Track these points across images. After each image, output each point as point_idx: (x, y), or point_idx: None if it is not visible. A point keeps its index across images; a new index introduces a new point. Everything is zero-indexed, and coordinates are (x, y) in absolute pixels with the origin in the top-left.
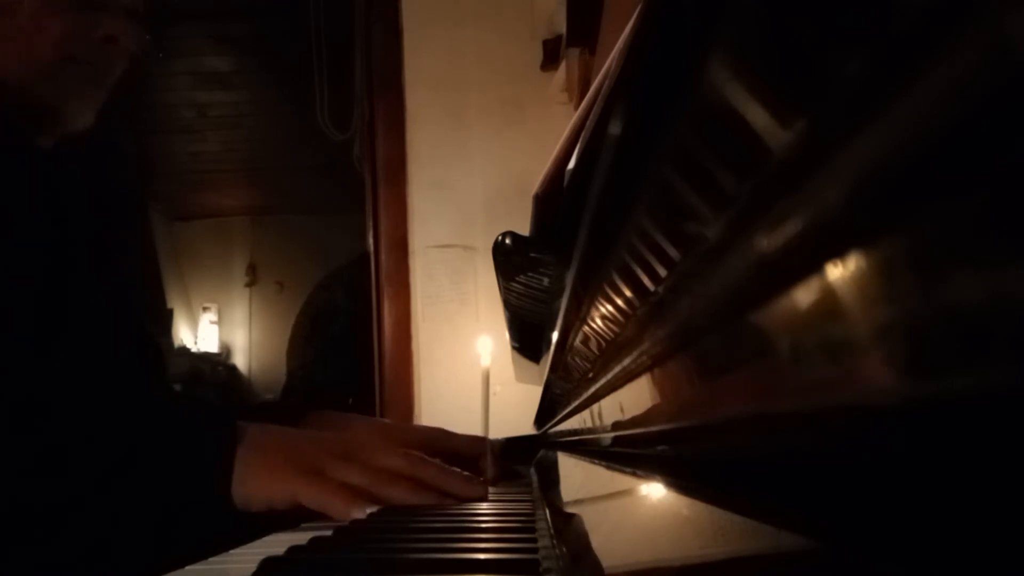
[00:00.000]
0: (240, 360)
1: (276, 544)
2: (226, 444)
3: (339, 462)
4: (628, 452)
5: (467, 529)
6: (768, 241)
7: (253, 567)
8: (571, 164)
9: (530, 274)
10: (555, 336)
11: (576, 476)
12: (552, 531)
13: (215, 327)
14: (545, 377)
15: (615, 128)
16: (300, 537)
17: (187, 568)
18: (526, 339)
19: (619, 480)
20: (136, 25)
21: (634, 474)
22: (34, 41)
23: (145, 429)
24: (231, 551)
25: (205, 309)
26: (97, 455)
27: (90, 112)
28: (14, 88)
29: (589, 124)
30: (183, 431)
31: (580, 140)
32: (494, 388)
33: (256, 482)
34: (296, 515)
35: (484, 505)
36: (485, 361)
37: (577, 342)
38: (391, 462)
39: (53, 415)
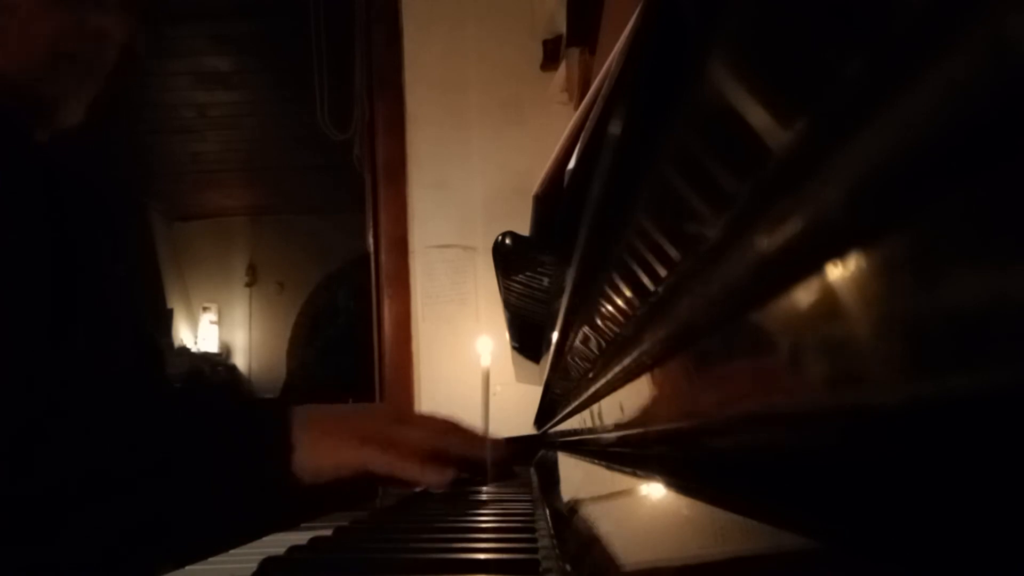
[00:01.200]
0: (240, 360)
1: (276, 544)
2: (283, 426)
3: (398, 427)
4: (628, 452)
5: (467, 529)
6: (768, 241)
7: (253, 567)
8: (571, 164)
9: (530, 274)
10: (555, 336)
11: (576, 476)
12: (552, 531)
13: (215, 327)
14: (545, 377)
15: (615, 128)
16: (300, 537)
17: (187, 568)
18: (526, 339)
19: (619, 480)
20: (130, 18)
21: (634, 474)
22: (26, 39)
23: (195, 423)
24: (231, 551)
25: (205, 309)
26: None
27: (80, 109)
28: (10, 83)
29: (589, 124)
30: (238, 420)
31: (580, 140)
32: (494, 388)
33: (324, 453)
34: (365, 484)
35: (484, 505)
36: (485, 361)
37: (577, 342)
38: (438, 423)
39: (74, 412)
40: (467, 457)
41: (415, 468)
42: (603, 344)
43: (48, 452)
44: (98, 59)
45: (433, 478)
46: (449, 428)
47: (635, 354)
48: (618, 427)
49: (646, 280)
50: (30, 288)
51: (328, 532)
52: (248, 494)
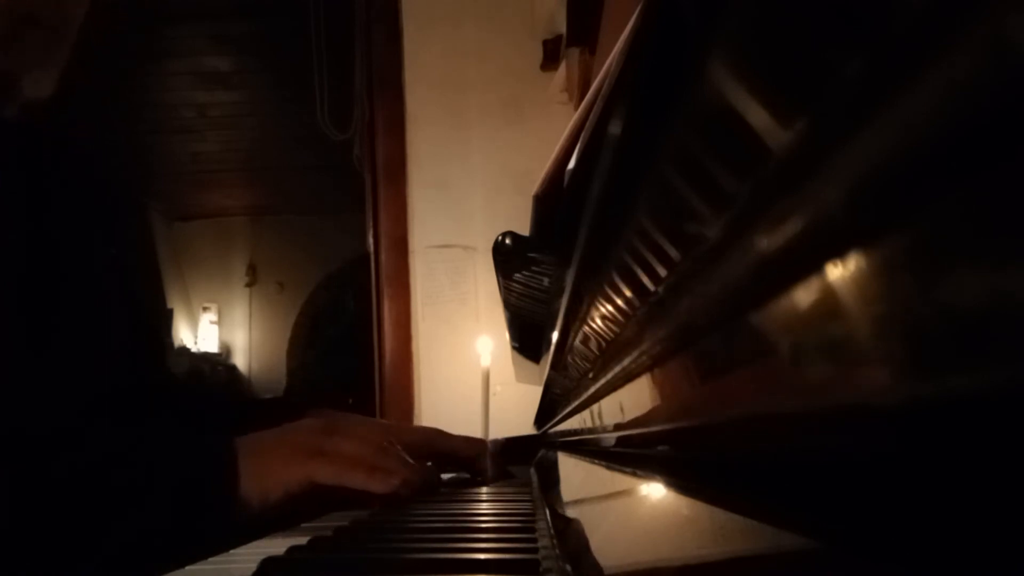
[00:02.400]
0: (240, 360)
1: (276, 544)
2: (228, 460)
3: (334, 438)
4: (628, 452)
5: (467, 529)
6: (768, 241)
7: (253, 567)
8: (571, 164)
9: (530, 274)
10: (555, 336)
11: (576, 476)
12: (552, 531)
13: (215, 327)
14: (545, 377)
15: (615, 128)
16: (300, 537)
17: (187, 568)
18: (526, 339)
19: (619, 480)
20: None
21: (634, 474)
22: None
23: (139, 455)
24: (231, 551)
25: (205, 309)
26: (95, 474)
27: (50, 80)
28: None
29: (589, 124)
30: (183, 453)
31: (580, 140)
32: (494, 388)
33: (269, 475)
34: (319, 500)
35: (484, 505)
36: (485, 361)
37: (577, 342)
38: (375, 438)
39: (45, 419)
40: (410, 477)
41: (361, 476)
42: (603, 344)
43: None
44: (62, 22)
45: (379, 486)
46: (385, 447)
47: (635, 354)
48: (618, 427)
49: (646, 280)
50: (4, 275)
51: (328, 532)
52: (195, 529)
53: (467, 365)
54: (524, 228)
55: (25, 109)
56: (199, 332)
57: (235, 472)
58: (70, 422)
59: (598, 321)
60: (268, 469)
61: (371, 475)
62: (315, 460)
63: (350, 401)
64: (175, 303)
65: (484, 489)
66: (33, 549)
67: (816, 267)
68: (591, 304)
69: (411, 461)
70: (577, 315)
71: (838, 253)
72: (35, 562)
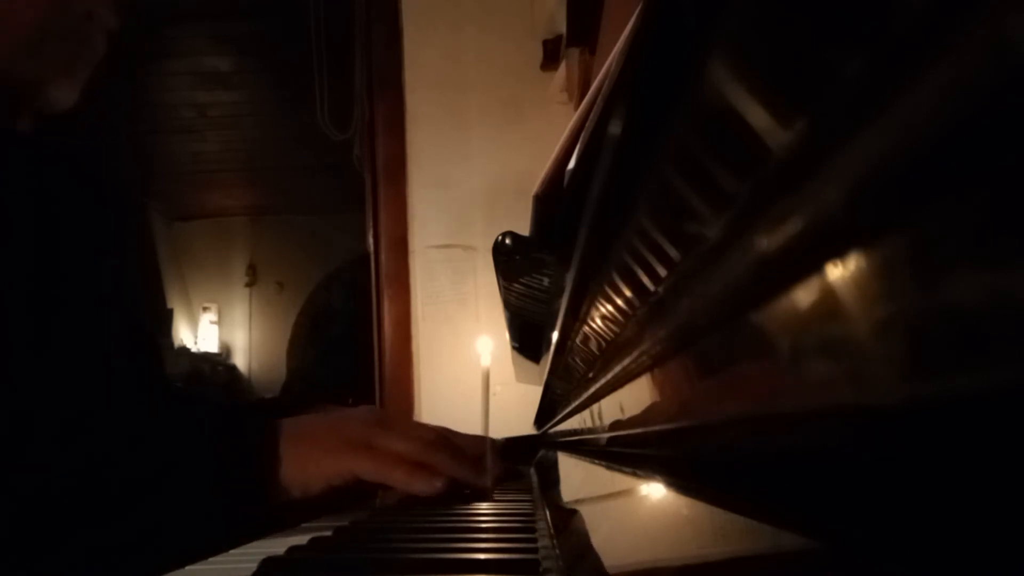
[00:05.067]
0: (240, 360)
1: (276, 544)
2: (269, 440)
3: (384, 433)
4: (628, 452)
5: (467, 529)
6: (768, 241)
7: (253, 567)
8: (571, 164)
9: (530, 274)
10: (555, 336)
11: (576, 476)
12: (552, 531)
13: (215, 327)
14: (545, 377)
15: (615, 128)
16: (300, 537)
17: (187, 568)
18: (526, 339)
19: (619, 480)
20: (113, 1)
21: (634, 474)
22: (11, 18)
23: (182, 436)
24: (231, 551)
25: (205, 309)
26: (131, 463)
27: (73, 91)
28: None
29: (589, 124)
30: (222, 433)
31: (580, 140)
32: (494, 388)
33: (311, 465)
34: (356, 492)
35: (484, 505)
36: (485, 361)
37: (577, 342)
38: (426, 435)
39: (58, 419)
40: (454, 476)
41: (403, 476)
42: (603, 344)
43: (32, 455)
44: (86, 41)
45: (422, 486)
46: (437, 443)
47: (635, 354)
48: (618, 427)
49: (646, 280)
50: (9, 282)
51: (328, 532)
52: (233, 510)
53: (467, 365)
54: (524, 228)
55: (39, 121)
56: (199, 332)
57: (275, 455)
58: (86, 413)
59: (598, 321)
60: (312, 457)
61: (413, 475)
62: (361, 454)
63: (350, 401)
64: (175, 303)
65: None
66: (56, 536)
67: (816, 267)
68: (591, 304)
69: (466, 459)
70: (577, 315)
71: (838, 253)
72: (63, 546)
